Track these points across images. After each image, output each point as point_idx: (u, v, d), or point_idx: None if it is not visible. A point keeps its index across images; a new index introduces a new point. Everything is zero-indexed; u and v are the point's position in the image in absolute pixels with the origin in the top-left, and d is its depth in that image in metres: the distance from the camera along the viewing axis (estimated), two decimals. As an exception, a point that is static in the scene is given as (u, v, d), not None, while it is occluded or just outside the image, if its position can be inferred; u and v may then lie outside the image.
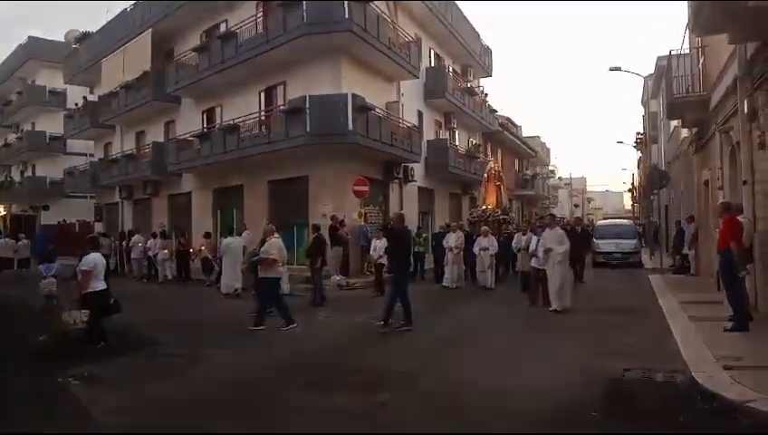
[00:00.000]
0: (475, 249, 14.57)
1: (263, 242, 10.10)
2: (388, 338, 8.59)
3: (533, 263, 11.57)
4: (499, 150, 33.54)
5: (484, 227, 15.67)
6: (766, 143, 8.01)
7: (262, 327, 9.18)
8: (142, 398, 5.72)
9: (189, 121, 21.84)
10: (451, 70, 25.00)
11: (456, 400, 5.42)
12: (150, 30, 22.06)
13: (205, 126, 20.96)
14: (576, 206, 76.75)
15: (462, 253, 14.94)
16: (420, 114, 22.64)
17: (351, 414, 5.09)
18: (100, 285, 7.97)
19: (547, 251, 10.74)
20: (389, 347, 7.98)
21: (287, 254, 11.20)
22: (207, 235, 17.62)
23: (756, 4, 6.55)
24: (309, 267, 12.63)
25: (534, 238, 11.74)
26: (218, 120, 20.47)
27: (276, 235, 10.13)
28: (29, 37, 36.20)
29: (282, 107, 17.52)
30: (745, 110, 8.82)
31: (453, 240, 14.98)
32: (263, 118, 18.55)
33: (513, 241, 14.57)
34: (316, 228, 13.18)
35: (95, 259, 7.96)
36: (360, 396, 5.60)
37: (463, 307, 11.78)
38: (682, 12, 13.39)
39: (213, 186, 21.22)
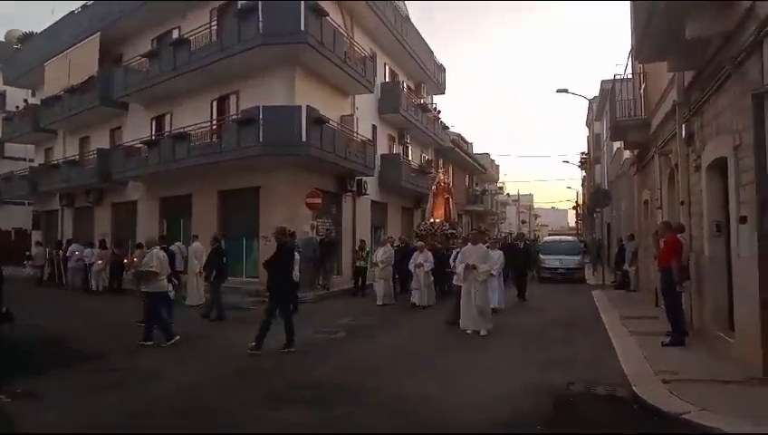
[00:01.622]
0: (411, 266, 13.90)
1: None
2: (326, 353, 8.45)
3: (455, 280, 10.95)
4: (450, 166, 34.06)
5: (420, 243, 15.07)
6: (701, 166, 8.44)
7: (150, 342, 8.82)
8: (78, 413, 5.48)
9: (137, 128, 21.16)
10: (405, 86, 25.27)
11: (403, 415, 5.40)
12: (98, 33, 21.41)
13: (153, 133, 20.41)
14: (523, 222, 78.65)
15: (391, 268, 14.60)
16: (374, 128, 22.76)
17: (309, 426, 5.06)
18: None
19: (468, 268, 10.01)
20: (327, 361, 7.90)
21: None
22: (139, 245, 17.16)
23: (692, 35, 6.93)
24: (205, 281, 12.12)
25: (454, 253, 11.27)
26: (168, 128, 19.95)
27: (157, 247, 9.51)
28: (-34, 35, 34.45)
29: (234, 116, 17.26)
30: (683, 134, 9.29)
31: (380, 255, 14.61)
32: (214, 127, 18.22)
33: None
34: (215, 240, 12.68)
35: None
36: (315, 410, 5.53)
37: (396, 325, 11.18)
38: (627, 38, 14.01)
39: (160, 195, 20.60)
